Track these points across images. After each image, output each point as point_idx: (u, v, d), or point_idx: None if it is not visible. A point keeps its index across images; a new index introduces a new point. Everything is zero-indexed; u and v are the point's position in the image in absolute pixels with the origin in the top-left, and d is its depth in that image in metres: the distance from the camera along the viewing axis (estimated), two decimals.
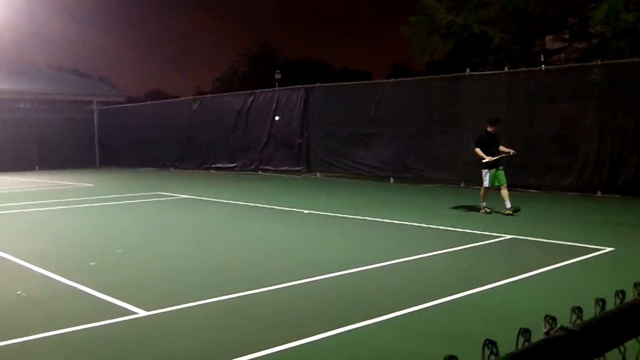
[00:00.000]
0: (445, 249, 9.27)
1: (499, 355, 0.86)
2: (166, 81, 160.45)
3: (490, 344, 0.86)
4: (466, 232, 10.78)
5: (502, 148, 12.84)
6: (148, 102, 35.49)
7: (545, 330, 0.97)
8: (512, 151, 12.82)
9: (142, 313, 6.08)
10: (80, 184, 22.58)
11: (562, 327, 0.96)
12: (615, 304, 1.12)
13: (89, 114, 34.99)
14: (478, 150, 12.74)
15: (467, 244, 9.67)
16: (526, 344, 0.89)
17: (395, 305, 6.20)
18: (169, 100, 35.65)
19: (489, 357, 0.86)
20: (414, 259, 8.59)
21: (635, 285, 1.19)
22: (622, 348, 1.10)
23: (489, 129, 12.94)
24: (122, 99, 37.87)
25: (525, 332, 0.91)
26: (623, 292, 1.15)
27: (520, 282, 7.23)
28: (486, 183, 12.71)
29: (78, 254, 9.44)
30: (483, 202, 12.90)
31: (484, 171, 12.74)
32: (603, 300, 1.08)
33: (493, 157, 12.58)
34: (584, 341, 0.97)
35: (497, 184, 12.68)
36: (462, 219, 12.23)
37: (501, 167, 12.75)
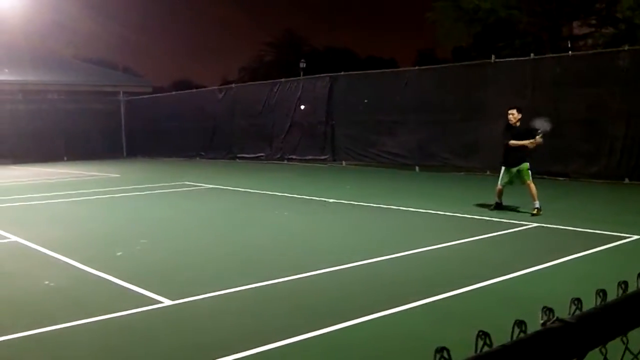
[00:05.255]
0: (472, 237, 9.23)
1: (492, 347, 0.87)
2: (192, 71, 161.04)
3: (483, 335, 0.88)
4: (493, 220, 10.72)
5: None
6: (174, 92, 35.75)
7: (542, 321, 0.98)
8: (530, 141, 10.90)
9: (167, 302, 6.16)
10: (107, 174, 22.83)
11: (558, 319, 0.97)
12: (617, 294, 1.13)
13: (116, 104, 35.38)
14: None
15: (494, 232, 9.65)
16: (521, 335, 0.91)
17: (425, 292, 6.23)
18: (195, 90, 35.82)
19: (482, 348, 0.87)
20: (441, 247, 8.56)
21: (639, 275, 1.19)
22: (624, 339, 1.10)
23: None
24: (149, 89, 38.10)
25: (520, 324, 0.92)
26: (626, 283, 1.15)
27: (546, 270, 7.20)
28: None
29: (104, 243, 9.57)
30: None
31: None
32: (604, 291, 1.09)
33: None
34: (579, 333, 0.98)
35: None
36: (488, 207, 12.13)
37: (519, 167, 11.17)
